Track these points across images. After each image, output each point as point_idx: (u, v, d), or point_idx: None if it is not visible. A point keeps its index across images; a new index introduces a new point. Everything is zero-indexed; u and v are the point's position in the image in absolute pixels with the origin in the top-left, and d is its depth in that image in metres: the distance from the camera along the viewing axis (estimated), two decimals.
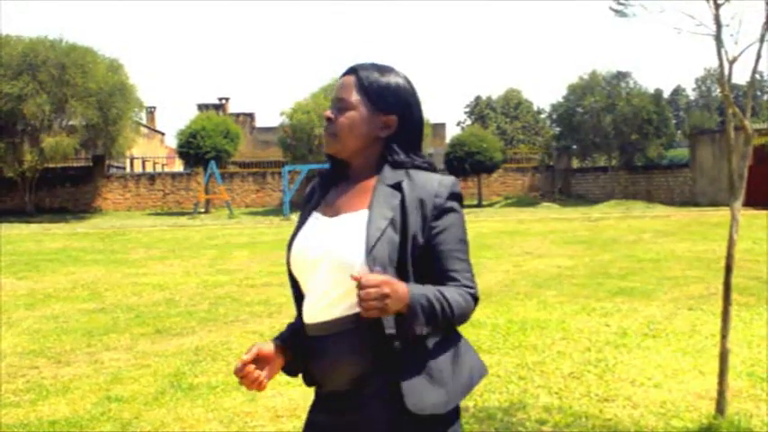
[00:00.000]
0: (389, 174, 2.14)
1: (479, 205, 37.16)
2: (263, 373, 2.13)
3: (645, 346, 6.92)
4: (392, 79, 2.20)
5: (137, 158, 47.42)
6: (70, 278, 12.62)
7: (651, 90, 39.21)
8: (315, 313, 2.13)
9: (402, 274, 2.02)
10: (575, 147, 40.96)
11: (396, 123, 2.17)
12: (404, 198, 2.07)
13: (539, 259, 13.95)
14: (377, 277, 1.90)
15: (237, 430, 4.95)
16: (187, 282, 11.96)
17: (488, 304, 9.27)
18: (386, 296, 1.89)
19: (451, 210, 2.11)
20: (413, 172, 2.13)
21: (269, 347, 2.18)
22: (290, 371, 2.28)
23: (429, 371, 2.06)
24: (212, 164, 33.91)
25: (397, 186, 2.09)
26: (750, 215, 20.16)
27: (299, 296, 2.29)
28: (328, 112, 2.21)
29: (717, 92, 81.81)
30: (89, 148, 36.03)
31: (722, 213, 22.23)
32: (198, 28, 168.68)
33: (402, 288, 1.95)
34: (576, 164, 43.38)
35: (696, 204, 32.49)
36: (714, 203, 30.33)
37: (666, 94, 56.21)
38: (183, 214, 34.50)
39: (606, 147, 38.85)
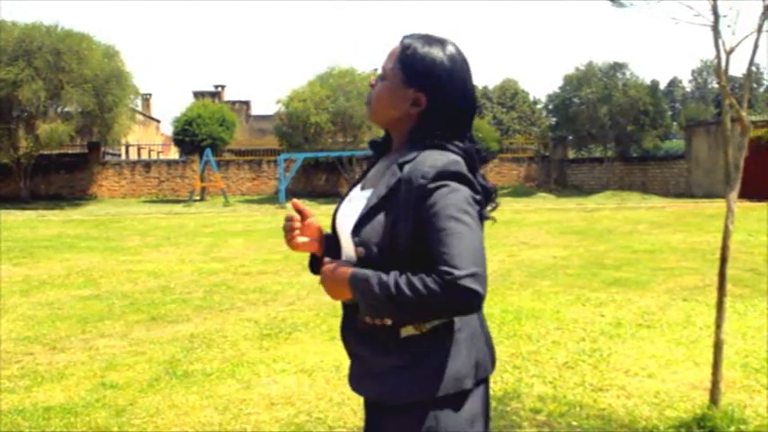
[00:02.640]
0: (405, 152, 2.05)
1: None
2: (299, 234, 2.27)
3: (639, 337, 6.93)
4: (431, 52, 2.07)
5: (132, 146, 47.39)
6: (65, 265, 12.60)
7: (647, 81, 39.40)
8: None
9: (391, 255, 1.97)
10: (570, 137, 41.02)
11: (424, 101, 2.06)
12: (401, 178, 1.98)
13: (534, 249, 13.96)
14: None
15: (232, 417, 4.95)
16: (182, 269, 11.95)
17: None
18: (327, 275, 2.01)
19: (437, 189, 1.92)
20: (426, 152, 2.01)
21: (318, 226, 2.29)
22: (315, 264, 2.36)
23: (376, 359, 2.05)
24: (208, 151, 33.89)
25: (402, 165, 2.01)
26: (745, 207, 20.22)
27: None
28: (372, 80, 2.18)
29: (713, 83, 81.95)
30: (84, 134, 35.99)
31: (717, 205, 22.29)
32: (194, 15, 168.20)
33: (340, 271, 1.98)
34: (571, 154, 43.46)
35: (691, 196, 32.56)
36: (709, 195, 30.42)
37: (663, 86, 56.37)
38: (178, 202, 34.47)
39: (602, 137, 38.90)
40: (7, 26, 31.94)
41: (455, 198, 1.92)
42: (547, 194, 36.06)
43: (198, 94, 50.07)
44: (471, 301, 1.84)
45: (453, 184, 1.94)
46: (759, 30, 4.43)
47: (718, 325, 4.63)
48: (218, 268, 12.02)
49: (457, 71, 2.08)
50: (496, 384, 5.54)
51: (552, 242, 15.14)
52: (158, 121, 61.30)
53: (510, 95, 70.89)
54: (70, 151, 38.43)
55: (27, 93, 30.52)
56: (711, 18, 4.49)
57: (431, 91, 2.06)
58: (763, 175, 25.82)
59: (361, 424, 4.75)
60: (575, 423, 4.72)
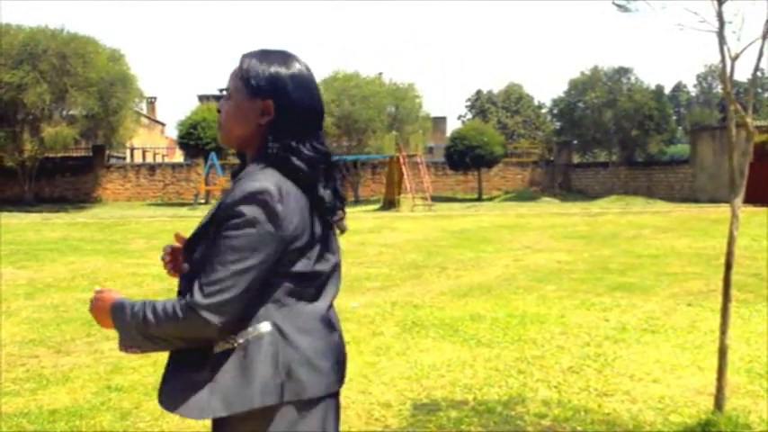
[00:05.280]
0: (244, 171, 2.11)
1: (479, 199, 37.18)
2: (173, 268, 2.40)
3: (644, 342, 6.93)
4: (267, 64, 2.13)
5: (137, 149, 47.45)
6: (70, 268, 12.61)
7: (652, 86, 39.29)
8: None
9: None
10: (575, 142, 41.04)
11: (272, 108, 2.09)
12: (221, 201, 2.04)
13: (538, 254, 13.96)
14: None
15: None
16: None
17: (488, 298, 9.29)
18: (92, 304, 2.18)
19: (233, 216, 1.96)
20: (252, 173, 2.05)
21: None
22: None
23: (191, 376, 2.05)
24: (212, 155, 33.91)
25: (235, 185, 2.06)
26: (750, 212, 20.19)
27: None
28: (219, 105, 2.23)
29: (717, 88, 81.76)
30: (89, 137, 36.07)
31: (722, 210, 22.24)
32: (199, 18, 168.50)
33: (106, 298, 2.14)
34: (576, 159, 43.43)
35: (696, 201, 32.50)
36: (714, 200, 30.34)
37: (667, 90, 56.18)
38: (183, 205, 34.50)
39: (607, 142, 38.94)
40: (12, 29, 31.99)
41: (242, 230, 1.95)
42: (551, 199, 36.01)
43: (203, 98, 50.19)
44: (205, 331, 1.95)
45: (245, 214, 1.95)
46: (764, 36, 4.44)
47: (723, 330, 4.63)
48: None
49: (298, 75, 2.14)
50: (501, 389, 5.55)
51: (557, 247, 15.13)
52: (163, 125, 61.40)
53: (515, 100, 70.89)
54: (75, 154, 38.50)
55: (32, 96, 30.57)
56: (717, 24, 4.50)
57: (276, 97, 2.10)
58: (767, 179, 25.78)
59: (366, 427, 4.77)
60: (579, 428, 4.73)
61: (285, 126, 2.10)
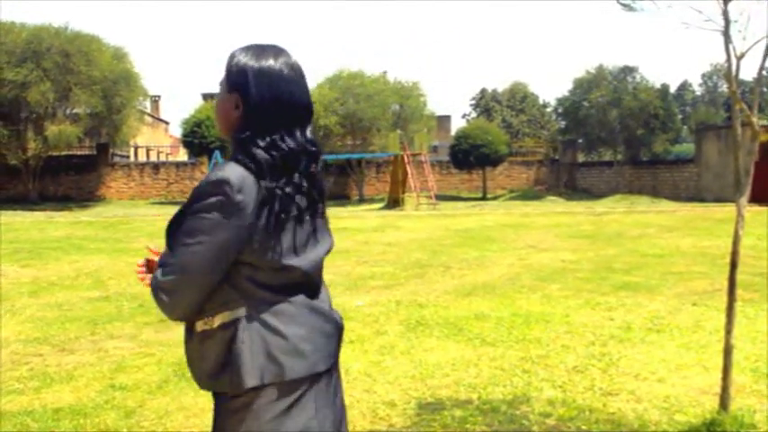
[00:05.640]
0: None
1: (484, 198, 37.19)
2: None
3: (649, 341, 6.91)
4: (241, 57, 2.13)
5: (141, 147, 47.57)
6: (74, 266, 12.62)
7: (657, 85, 39.41)
8: None
9: None
10: (580, 141, 41.07)
11: (239, 101, 2.11)
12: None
13: (543, 253, 13.93)
14: None
15: None
16: None
17: (492, 297, 9.27)
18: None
19: (193, 203, 2.03)
20: (224, 164, 2.07)
21: None
22: None
23: (191, 352, 2.20)
24: (216, 153, 33.90)
25: None
26: (755, 211, 20.13)
27: None
28: None
29: (723, 87, 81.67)
30: (93, 136, 36.20)
31: (727, 209, 22.22)
32: (203, 17, 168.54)
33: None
34: (581, 158, 43.46)
35: (701, 200, 32.46)
36: (719, 199, 30.29)
37: (673, 89, 56.25)
38: None
39: (612, 141, 38.95)
40: (16, 28, 32.08)
41: (198, 212, 2.01)
42: (556, 198, 36.01)
43: (207, 96, 50.16)
44: (164, 311, 2.12)
45: (208, 202, 2.00)
46: None
47: (728, 330, 4.61)
48: None
49: (265, 70, 2.11)
50: (506, 388, 5.53)
51: (561, 246, 15.11)
52: (167, 123, 61.48)
53: (519, 98, 70.87)
54: (79, 153, 38.59)
55: (35, 94, 30.63)
56: (722, 23, 4.47)
57: (241, 90, 2.11)
58: None
59: (370, 426, 4.76)
60: (584, 427, 4.71)
61: (247, 120, 2.10)
